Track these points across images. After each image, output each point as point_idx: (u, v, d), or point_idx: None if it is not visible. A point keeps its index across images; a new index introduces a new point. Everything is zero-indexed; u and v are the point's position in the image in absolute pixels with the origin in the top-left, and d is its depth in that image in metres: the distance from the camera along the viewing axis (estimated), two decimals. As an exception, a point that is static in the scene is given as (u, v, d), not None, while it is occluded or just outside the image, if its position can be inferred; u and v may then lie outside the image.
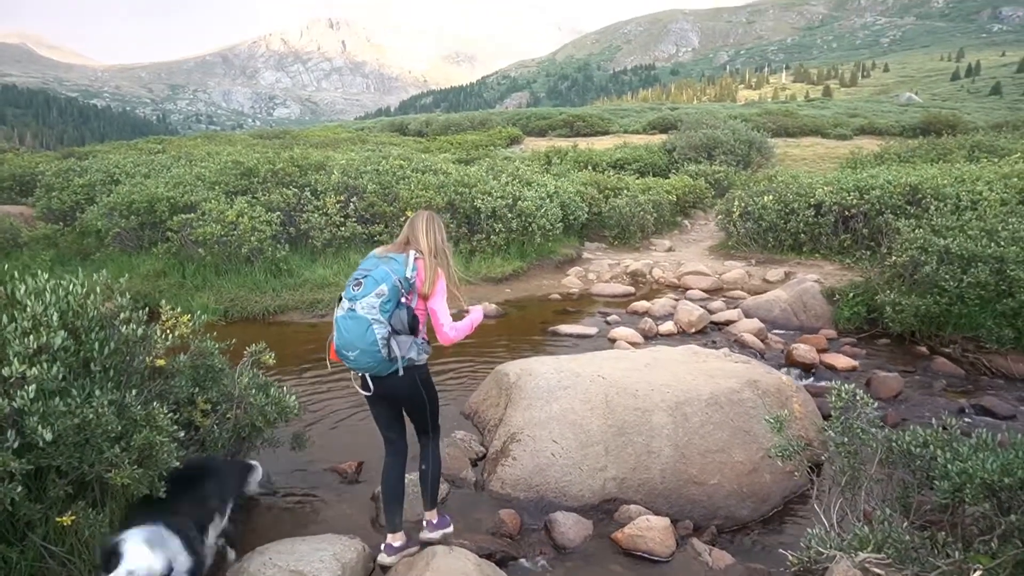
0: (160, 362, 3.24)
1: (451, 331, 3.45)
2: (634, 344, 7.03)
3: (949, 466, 3.20)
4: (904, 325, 7.20)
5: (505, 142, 32.60)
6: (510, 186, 11.14)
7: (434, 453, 3.55)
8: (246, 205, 9.30)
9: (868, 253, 8.67)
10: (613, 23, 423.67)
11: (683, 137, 21.11)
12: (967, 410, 5.74)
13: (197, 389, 3.41)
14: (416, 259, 3.27)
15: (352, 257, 9.75)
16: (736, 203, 11.65)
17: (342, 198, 10.26)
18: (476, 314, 3.68)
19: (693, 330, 7.68)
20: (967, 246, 7.12)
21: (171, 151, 20.07)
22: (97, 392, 2.60)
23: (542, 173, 14.42)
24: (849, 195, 9.93)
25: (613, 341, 7.17)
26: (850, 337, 7.62)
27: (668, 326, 7.73)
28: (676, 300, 8.92)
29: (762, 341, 7.30)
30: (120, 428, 2.59)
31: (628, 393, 4.36)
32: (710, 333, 7.77)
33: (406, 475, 3.56)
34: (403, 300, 3.14)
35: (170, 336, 3.16)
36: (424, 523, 3.55)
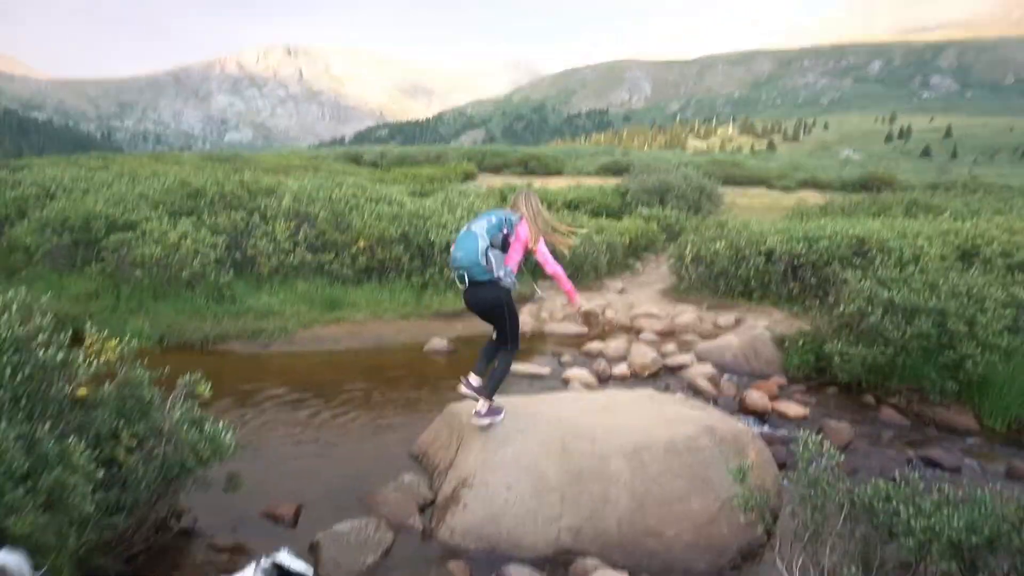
0: (82, 392, 2.95)
1: (551, 264, 4.64)
2: (588, 386, 6.91)
3: (912, 522, 3.14)
4: (851, 375, 7.28)
5: (460, 177, 32.70)
6: (465, 220, 11.02)
7: (505, 359, 4.64)
8: (190, 227, 8.92)
9: (817, 302, 8.80)
10: (570, 68, 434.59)
11: (637, 181, 21.47)
12: (914, 462, 5.77)
13: (122, 422, 3.10)
14: (521, 217, 4.45)
15: (300, 285, 9.42)
16: (689, 248, 11.78)
17: (292, 224, 9.95)
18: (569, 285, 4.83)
19: (647, 373, 7.61)
20: (911, 298, 7.28)
21: (114, 168, 19.34)
22: (3, 424, 2.31)
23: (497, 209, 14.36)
24: (799, 244, 10.14)
25: (567, 382, 7.03)
26: (799, 384, 7.66)
27: (622, 368, 7.64)
28: (630, 342, 8.87)
29: (715, 386, 7.27)
30: (27, 466, 2.29)
31: (586, 437, 4.20)
32: (664, 377, 7.71)
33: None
34: (503, 231, 4.29)
35: (94, 363, 2.87)
36: (478, 411, 4.43)
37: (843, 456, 5.71)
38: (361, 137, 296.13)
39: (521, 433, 4.21)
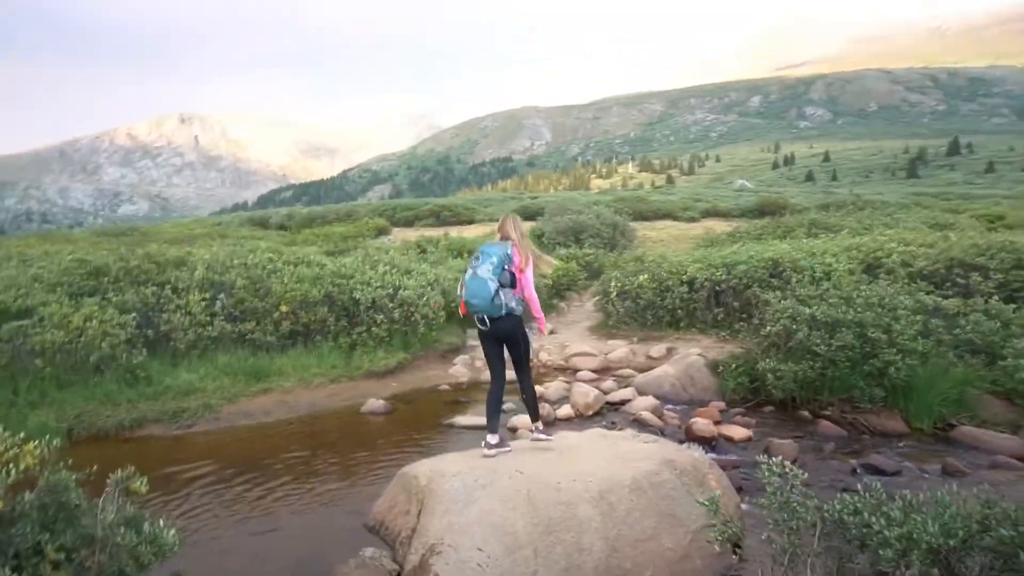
0: (-4, 505, 2.60)
1: (529, 288, 5.03)
2: (536, 431, 6.79)
3: (886, 532, 3.17)
4: (785, 391, 7.50)
5: (373, 233, 32.29)
6: (389, 275, 10.81)
7: (528, 383, 5.20)
8: (95, 307, 8.31)
9: (744, 325, 9.06)
10: (470, 119, 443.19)
11: (551, 222, 21.86)
12: (858, 470, 5.94)
13: (47, 535, 2.74)
14: (512, 245, 4.95)
15: (220, 358, 8.90)
16: (613, 283, 11.98)
17: (208, 295, 9.44)
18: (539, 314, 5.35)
19: (591, 412, 7.57)
20: (830, 313, 7.62)
21: (-1, 252, 17.96)
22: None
23: (419, 262, 14.22)
24: (718, 271, 10.50)
25: (514, 430, 6.89)
26: (737, 407, 7.81)
27: (566, 410, 7.57)
28: (568, 382, 8.84)
29: (659, 418, 7.31)
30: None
31: (550, 487, 4.07)
32: (607, 414, 7.70)
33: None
34: (505, 268, 4.80)
35: (12, 472, 2.53)
36: (532, 429, 5.27)
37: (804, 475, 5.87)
38: (265, 200, 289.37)
39: (483, 489, 4.03)
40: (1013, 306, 8.29)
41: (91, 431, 7.16)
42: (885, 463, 5.97)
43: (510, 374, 5.21)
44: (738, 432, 6.77)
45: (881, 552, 3.08)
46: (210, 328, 8.98)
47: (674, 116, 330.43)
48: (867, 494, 3.49)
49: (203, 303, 9.26)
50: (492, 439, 4.83)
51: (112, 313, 8.32)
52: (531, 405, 5.28)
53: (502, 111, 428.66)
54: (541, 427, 5.28)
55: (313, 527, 4.71)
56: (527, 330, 5.23)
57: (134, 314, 8.62)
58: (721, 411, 7.60)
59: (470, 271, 4.84)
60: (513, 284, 4.81)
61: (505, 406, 7.90)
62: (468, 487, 4.05)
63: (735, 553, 4.40)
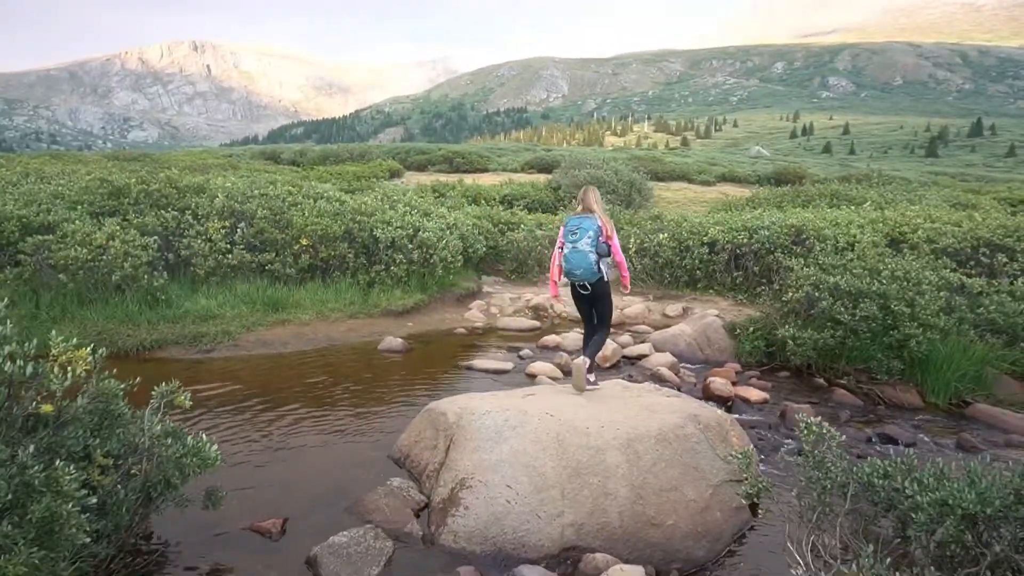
0: (47, 408, 2.61)
1: (619, 253, 5.54)
2: (554, 379, 6.83)
3: (918, 497, 3.20)
4: (803, 357, 7.50)
5: (387, 175, 32.07)
6: (409, 216, 10.75)
7: (602, 333, 5.68)
8: (117, 228, 8.28)
9: (765, 289, 9.03)
10: (486, 66, 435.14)
11: (568, 176, 21.63)
12: (873, 439, 5.98)
13: (96, 440, 2.77)
14: (599, 217, 5.40)
15: (239, 287, 8.92)
16: (632, 240, 11.91)
17: (227, 224, 9.41)
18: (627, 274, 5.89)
19: (607, 364, 7.60)
20: (855, 283, 7.57)
21: (15, 167, 17.88)
22: (-21, 448, 1.98)
23: (436, 205, 14.13)
24: (740, 235, 10.41)
25: (533, 376, 6.92)
26: (753, 370, 7.83)
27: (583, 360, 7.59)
28: (583, 333, 8.86)
29: (676, 375, 7.34)
30: (10, 496, 1.98)
31: (579, 431, 4.10)
32: (623, 367, 7.73)
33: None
34: (600, 239, 5.30)
35: (69, 375, 2.54)
36: (580, 360, 5.39)
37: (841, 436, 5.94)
38: (275, 135, 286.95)
39: (514, 430, 4.06)
40: (1039, 287, 8.23)
41: (112, 349, 7.19)
42: (900, 434, 6.01)
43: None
44: (754, 394, 6.80)
45: (914, 516, 3.11)
46: (230, 256, 8.97)
47: (694, 77, 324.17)
48: (899, 459, 3.52)
49: (223, 231, 9.23)
50: (584, 361, 5.38)
51: (134, 234, 8.30)
52: (595, 347, 5.65)
53: (519, 60, 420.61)
54: (593, 374, 5.59)
55: (338, 457, 4.77)
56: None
57: (155, 237, 8.60)
58: (737, 372, 7.63)
59: (569, 246, 5.32)
60: (606, 252, 5.35)
61: (523, 352, 8.00)
62: (499, 426, 4.08)
63: (752, 510, 4.47)
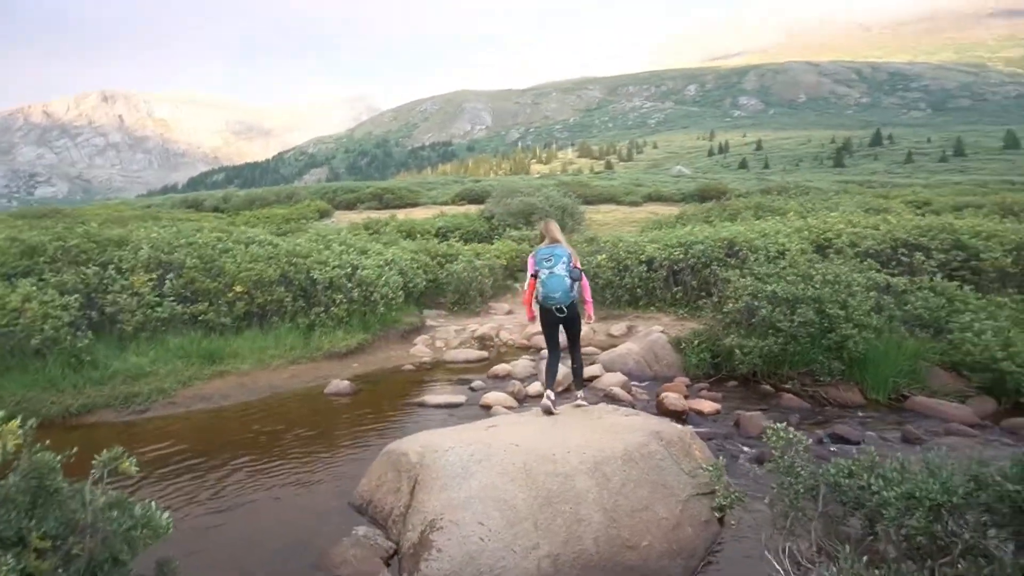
0: (-28, 489, 2.37)
1: (586, 282, 6.01)
2: (510, 408, 6.75)
3: (884, 492, 3.26)
4: (749, 366, 7.67)
5: (316, 215, 31.51)
6: (346, 255, 10.53)
7: (579, 357, 6.12)
8: (33, 288, 7.78)
9: (706, 302, 9.22)
10: (409, 101, 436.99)
11: (500, 204, 21.75)
12: (824, 440, 6.12)
13: (31, 521, 2.52)
14: (566, 245, 5.96)
15: (171, 341, 8.49)
16: (571, 263, 12.00)
17: (155, 276, 8.98)
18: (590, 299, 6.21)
19: (560, 388, 7.55)
20: (790, 290, 7.82)
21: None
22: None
23: (372, 242, 13.93)
24: (675, 251, 10.64)
25: (488, 407, 6.82)
26: (701, 382, 7.95)
27: (536, 387, 7.55)
28: (533, 360, 8.84)
29: (628, 393, 7.37)
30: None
31: (546, 459, 4.03)
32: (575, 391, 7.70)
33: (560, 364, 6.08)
34: (571, 265, 5.70)
35: (0, 452, 2.31)
36: (578, 396, 6.08)
37: (761, 444, 6.02)
38: (196, 183, 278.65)
39: (480, 464, 3.95)
40: (956, 283, 8.70)
41: (35, 418, 6.69)
42: (850, 432, 6.17)
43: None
44: (707, 406, 6.89)
45: (884, 512, 3.16)
46: (159, 309, 8.55)
47: (612, 103, 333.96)
48: (861, 457, 3.59)
49: (150, 284, 8.80)
50: (551, 394, 5.70)
51: (52, 294, 7.81)
52: (580, 375, 6.26)
53: (441, 95, 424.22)
54: (584, 394, 6.18)
55: (296, 509, 4.54)
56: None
57: (76, 295, 8.10)
58: (687, 386, 7.72)
59: (546, 271, 5.68)
60: (577, 277, 5.72)
61: (474, 384, 7.88)
62: (464, 461, 3.96)
63: (720, 522, 4.48)
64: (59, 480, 2.71)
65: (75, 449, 2.97)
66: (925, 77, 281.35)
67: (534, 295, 5.82)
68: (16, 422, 2.54)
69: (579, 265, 5.83)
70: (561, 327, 5.96)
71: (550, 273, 5.64)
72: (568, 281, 5.62)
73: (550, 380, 5.90)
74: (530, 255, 6.01)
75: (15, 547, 2.50)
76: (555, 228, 6.14)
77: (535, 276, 5.77)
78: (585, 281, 5.91)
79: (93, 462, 2.91)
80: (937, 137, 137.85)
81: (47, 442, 2.87)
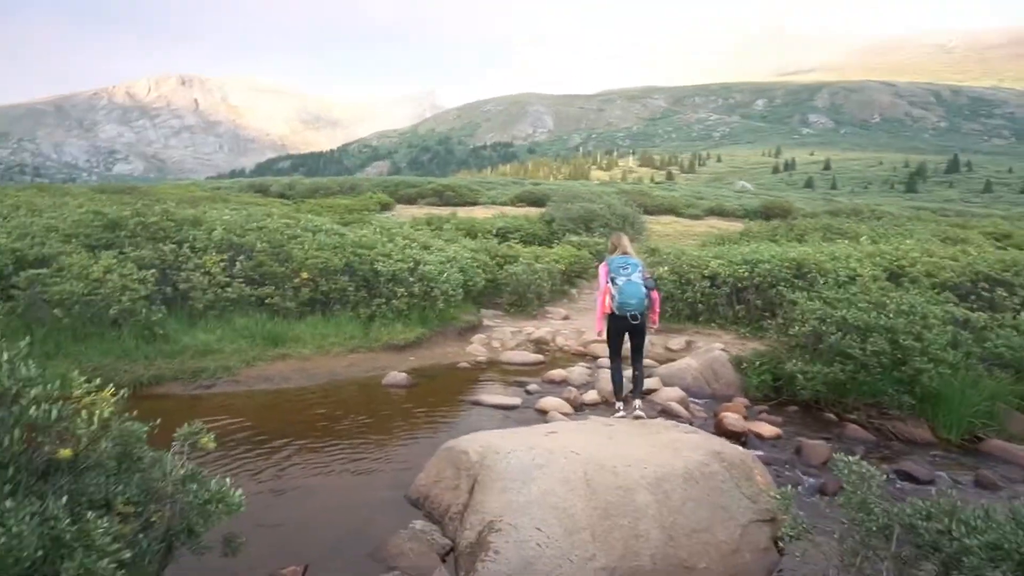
0: (65, 453, 2.47)
1: (657, 293, 6.33)
2: (566, 414, 6.71)
3: (967, 540, 3.10)
4: (813, 392, 7.43)
5: (377, 207, 32.06)
6: (408, 249, 10.66)
7: (641, 366, 6.34)
8: (114, 261, 8.12)
9: (770, 323, 8.98)
10: (473, 101, 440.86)
11: (561, 209, 21.70)
12: (890, 476, 5.87)
13: (120, 486, 2.61)
14: (637, 257, 6.28)
15: (238, 321, 8.74)
16: (631, 273, 11.87)
17: (226, 257, 9.27)
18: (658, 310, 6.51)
19: (600, 398, 7.48)
20: (862, 317, 7.55)
21: (3, 201, 17.64)
22: (7, 502, 1.84)
23: (434, 238, 14.08)
24: (740, 268, 10.41)
25: (544, 412, 6.79)
26: (761, 405, 7.74)
27: (592, 395, 7.49)
28: (589, 368, 8.77)
29: (686, 409, 7.24)
30: (40, 553, 1.83)
31: (607, 470, 3.98)
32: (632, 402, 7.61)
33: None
34: (645, 275, 6.05)
35: (95, 419, 2.40)
36: (635, 406, 6.05)
37: (823, 474, 5.83)
38: (262, 169, 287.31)
39: (541, 469, 3.93)
40: (1043, 323, 8.25)
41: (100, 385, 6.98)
42: (919, 471, 5.92)
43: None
44: (767, 429, 6.70)
45: (964, 560, 3.01)
46: (229, 290, 8.82)
47: (678, 113, 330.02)
48: (941, 500, 3.43)
49: (222, 264, 9.09)
50: (619, 405, 6.17)
51: (131, 267, 8.13)
52: (640, 384, 6.35)
53: (505, 96, 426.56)
54: (640, 404, 6.17)
55: (352, 496, 4.60)
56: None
57: (152, 270, 8.43)
58: (746, 407, 7.53)
59: (624, 278, 5.93)
60: (651, 287, 6.07)
61: (530, 387, 7.87)
62: (525, 466, 3.95)
63: (778, 551, 4.35)
64: (146, 449, 2.81)
65: (159, 420, 3.08)
66: (1010, 104, 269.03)
67: (609, 300, 6.01)
68: (110, 390, 2.64)
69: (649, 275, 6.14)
70: (626, 335, 6.16)
71: (627, 280, 5.90)
72: (643, 290, 5.91)
73: (619, 390, 6.23)
74: (601, 265, 6.24)
75: (100, 510, 2.60)
76: (627, 240, 6.44)
77: (612, 282, 5.97)
78: (658, 291, 6.24)
79: (174, 435, 3.01)
80: (1019, 167, 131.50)
81: (134, 412, 2.98)
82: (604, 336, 6.41)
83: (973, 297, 9.44)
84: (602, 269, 6.17)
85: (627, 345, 6.37)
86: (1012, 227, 30.02)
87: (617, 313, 5.96)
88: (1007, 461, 6.31)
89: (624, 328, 6.08)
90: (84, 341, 7.65)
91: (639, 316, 5.95)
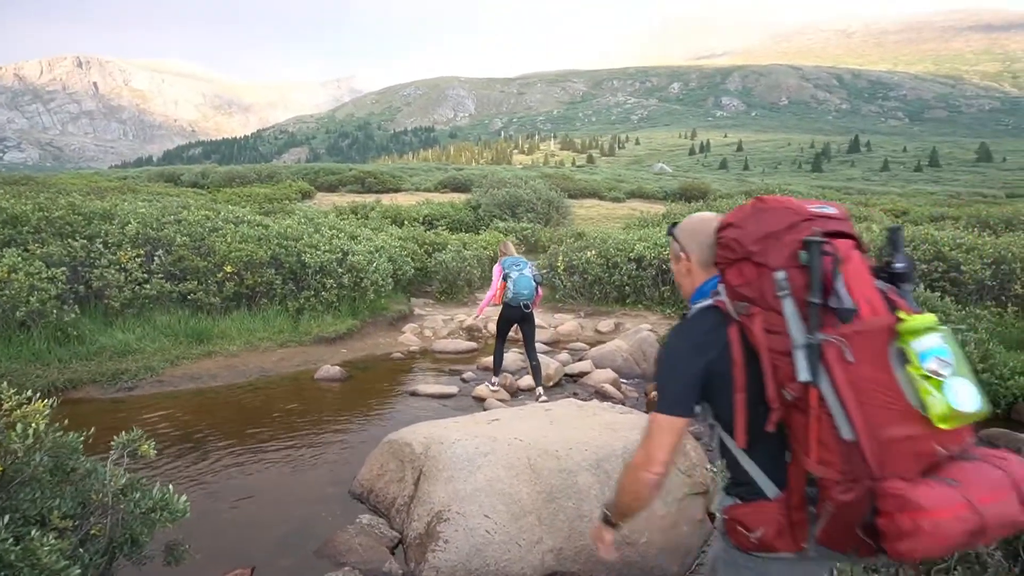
0: (-5, 467, 2.36)
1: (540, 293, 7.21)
2: (503, 401, 6.80)
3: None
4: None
5: (298, 196, 31.16)
6: (336, 239, 10.47)
7: (535, 354, 7.12)
8: (19, 259, 7.63)
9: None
10: (392, 85, 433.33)
11: (488, 195, 21.73)
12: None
13: (56, 500, 2.51)
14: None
15: (159, 318, 8.40)
16: (560, 258, 12.07)
17: (142, 252, 8.86)
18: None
19: (551, 383, 7.63)
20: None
21: None
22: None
23: (360, 227, 13.86)
24: (665, 250, 10.74)
25: (481, 399, 6.86)
26: (688, 382, 8.06)
27: (527, 380, 7.60)
28: (523, 353, 8.88)
29: (618, 390, 7.46)
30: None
31: (549, 455, 4.08)
32: (566, 385, 7.79)
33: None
34: (533, 271, 6.95)
35: (29, 432, 2.30)
36: (537, 392, 6.88)
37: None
38: (171, 156, 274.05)
39: (486, 457, 3.99)
40: (937, 294, 8.91)
41: (20, 392, 6.59)
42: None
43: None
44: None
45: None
46: (147, 286, 8.44)
47: (596, 97, 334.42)
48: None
49: (138, 260, 8.69)
50: (496, 379, 7.28)
51: (39, 266, 7.66)
52: (539, 372, 7.07)
53: (425, 79, 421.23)
54: (543, 390, 6.96)
55: (293, 494, 4.55)
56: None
57: (63, 268, 7.97)
58: (675, 385, 7.82)
59: (516, 273, 6.81)
60: (539, 282, 7.00)
61: (465, 375, 7.92)
62: (471, 454, 4.00)
63: (711, 520, 4.59)
64: (83, 460, 2.70)
65: (92, 430, 2.96)
66: (904, 87, 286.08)
67: (503, 295, 6.90)
68: (43, 402, 2.52)
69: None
70: (516, 325, 7.15)
71: (520, 274, 6.80)
72: (533, 283, 6.84)
73: (498, 369, 7.28)
74: (496, 265, 7.11)
75: (32, 525, 2.50)
76: (512, 247, 7.53)
77: (507, 277, 6.85)
78: (541, 288, 7.11)
79: (112, 443, 2.91)
80: (913, 146, 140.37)
81: (65, 421, 2.86)
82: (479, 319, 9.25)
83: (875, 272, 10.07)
84: (496, 268, 7.04)
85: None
86: (908, 203, 32.07)
87: (511, 304, 6.86)
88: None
89: (515, 317, 6.99)
90: (-12, 346, 7.18)
91: (529, 305, 6.85)
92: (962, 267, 9.86)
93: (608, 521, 1.96)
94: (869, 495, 1.33)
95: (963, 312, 8.59)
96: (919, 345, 1.34)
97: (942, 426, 1.32)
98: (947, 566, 3.01)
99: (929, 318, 1.37)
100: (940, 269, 10.07)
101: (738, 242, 1.55)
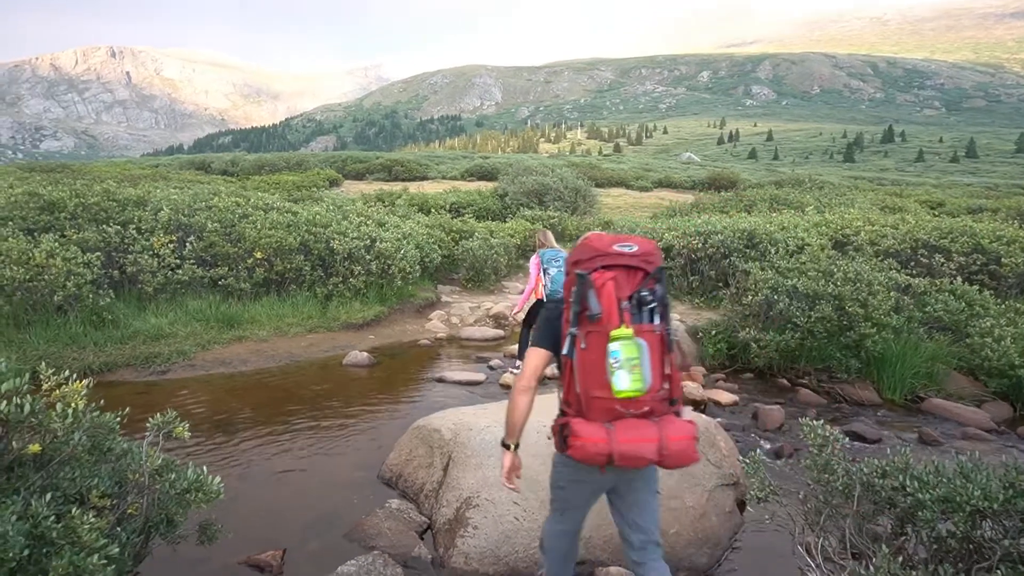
0: (34, 448, 2.39)
1: None
2: (530, 389, 6.80)
3: (920, 494, 3.29)
4: (766, 359, 7.69)
5: (325, 184, 31.40)
6: (365, 226, 10.52)
7: None
8: (56, 244, 7.78)
9: (724, 293, 9.21)
10: (419, 73, 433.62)
11: (515, 183, 21.65)
12: (841, 437, 6.15)
13: (94, 480, 2.55)
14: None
15: (190, 303, 8.52)
16: (587, 247, 11.99)
17: (175, 238, 8.99)
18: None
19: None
20: (811, 285, 7.82)
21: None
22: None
23: (388, 215, 13.91)
24: (694, 240, 10.61)
25: (507, 387, 6.85)
26: (717, 373, 7.98)
27: (553, 369, 7.56)
28: (550, 342, 8.87)
29: (646, 380, 7.40)
30: (26, 552, 1.79)
31: (579, 443, 4.06)
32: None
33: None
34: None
35: (68, 412, 2.33)
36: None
37: (779, 437, 6.05)
38: (202, 144, 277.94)
39: (514, 444, 3.98)
40: (976, 287, 8.69)
41: (58, 374, 6.73)
42: (867, 431, 6.21)
43: None
44: (724, 396, 6.92)
45: (919, 514, 3.19)
46: (179, 272, 8.56)
47: (624, 85, 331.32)
48: (895, 458, 3.62)
49: (171, 246, 8.81)
50: (519, 363, 6.59)
51: (75, 251, 7.81)
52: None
53: (451, 67, 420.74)
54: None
55: (322, 478, 4.58)
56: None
57: (98, 253, 8.11)
58: (703, 376, 7.75)
59: (555, 268, 6.51)
60: None
61: (492, 362, 7.93)
62: (496, 441, 3.99)
63: (741, 512, 4.54)
64: (119, 440, 2.74)
65: (127, 409, 3.00)
66: (941, 75, 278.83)
67: (542, 288, 6.62)
68: (82, 383, 2.56)
69: None
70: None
71: (558, 271, 6.50)
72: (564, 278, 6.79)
73: (521, 352, 7.18)
74: (533, 258, 6.80)
75: (75, 504, 2.54)
76: (552, 237, 7.09)
77: (545, 272, 6.59)
78: None
79: (147, 424, 2.94)
80: (949, 137, 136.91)
81: (101, 402, 2.90)
82: (520, 317, 7.66)
83: (912, 263, 9.86)
84: (535, 261, 6.72)
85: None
86: (944, 195, 31.32)
87: (551, 299, 6.52)
88: (946, 418, 6.68)
89: (554, 316, 7.22)
90: (27, 328, 7.34)
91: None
92: (1002, 260, 9.59)
93: (504, 444, 2.68)
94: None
95: (1002, 306, 8.37)
96: (612, 346, 2.19)
97: (618, 396, 2.18)
98: (989, 564, 2.94)
99: (623, 331, 2.19)
100: (979, 262, 9.82)
101: (566, 260, 2.54)
